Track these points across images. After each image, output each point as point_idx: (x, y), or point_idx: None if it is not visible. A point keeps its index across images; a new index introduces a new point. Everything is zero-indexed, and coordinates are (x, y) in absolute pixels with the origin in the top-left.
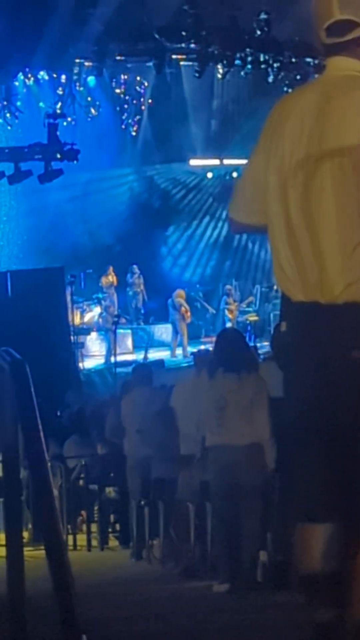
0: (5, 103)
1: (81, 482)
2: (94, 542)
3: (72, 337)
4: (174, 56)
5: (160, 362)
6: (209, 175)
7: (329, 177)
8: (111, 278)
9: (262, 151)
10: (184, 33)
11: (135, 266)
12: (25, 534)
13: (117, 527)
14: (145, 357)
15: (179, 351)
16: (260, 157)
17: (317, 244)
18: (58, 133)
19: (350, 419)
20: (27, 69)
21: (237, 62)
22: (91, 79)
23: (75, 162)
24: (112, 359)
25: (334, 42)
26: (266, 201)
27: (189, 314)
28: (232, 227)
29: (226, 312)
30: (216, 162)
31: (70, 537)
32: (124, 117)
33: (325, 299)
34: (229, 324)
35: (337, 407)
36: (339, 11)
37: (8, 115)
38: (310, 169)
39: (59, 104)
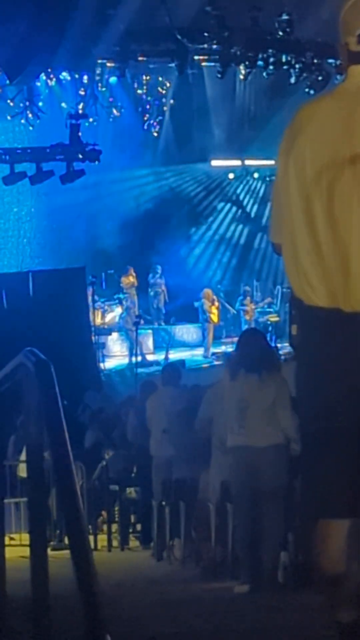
0: (27, 103)
1: (101, 482)
2: (115, 543)
3: (93, 338)
4: (196, 57)
5: (181, 363)
6: (231, 176)
7: (356, 183)
8: (132, 278)
9: (282, 166)
10: (206, 34)
11: (158, 266)
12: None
13: (138, 527)
14: (166, 358)
15: (200, 351)
16: (281, 173)
17: (344, 251)
18: (80, 134)
19: None
20: (49, 70)
21: (259, 63)
22: (113, 80)
23: (96, 162)
24: (135, 359)
25: None
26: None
27: (213, 315)
28: (275, 250)
29: (242, 312)
30: (238, 162)
31: (91, 538)
32: (145, 118)
33: (348, 307)
34: (245, 325)
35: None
36: None
37: (30, 115)
38: (336, 175)
39: (81, 104)
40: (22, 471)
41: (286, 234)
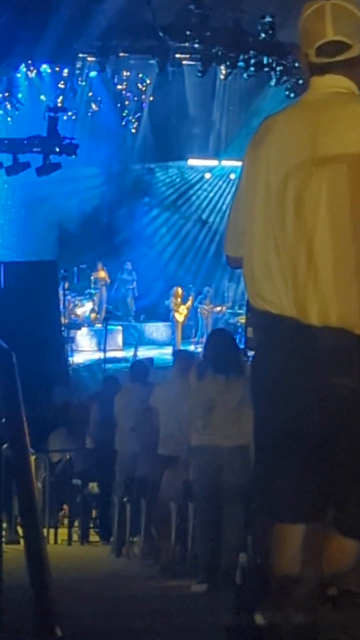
0: (6, 94)
1: (64, 476)
2: (75, 537)
3: (62, 332)
4: (177, 55)
5: (149, 360)
6: (207, 175)
7: (319, 195)
8: (103, 274)
9: (244, 179)
10: (188, 32)
11: (128, 263)
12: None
13: (99, 522)
14: (135, 355)
15: (169, 349)
16: (245, 185)
17: (312, 259)
18: (58, 127)
19: (326, 428)
20: (29, 61)
21: (240, 63)
22: (93, 74)
23: (73, 156)
24: (103, 355)
25: (322, 62)
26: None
27: (179, 314)
28: (230, 263)
29: (199, 313)
30: (215, 162)
31: (52, 531)
32: (124, 114)
33: (314, 320)
34: (203, 326)
35: (315, 417)
36: (332, 32)
37: (9, 106)
38: (299, 185)
39: (60, 97)
40: None
41: (246, 245)
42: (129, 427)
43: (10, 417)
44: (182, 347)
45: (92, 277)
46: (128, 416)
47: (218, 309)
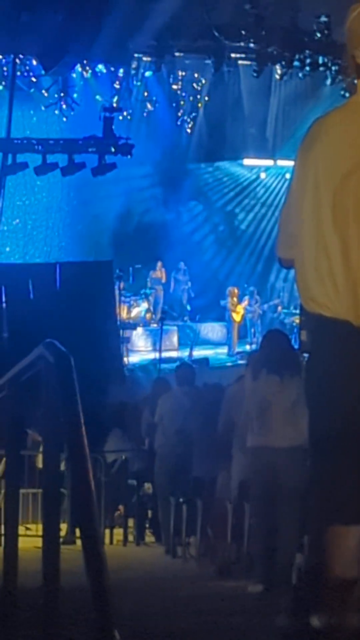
0: (62, 94)
1: (119, 476)
2: (131, 537)
3: (119, 332)
4: (232, 55)
5: (204, 360)
6: (263, 175)
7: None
8: (160, 273)
9: (295, 182)
10: (243, 32)
11: (182, 263)
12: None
13: (154, 523)
14: (191, 355)
15: (224, 349)
16: (295, 187)
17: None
18: (113, 127)
19: None
20: (85, 61)
21: (296, 63)
22: (149, 74)
23: (129, 156)
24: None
25: None
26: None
27: (236, 314)
28: (282, 265)
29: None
30: (270, 162)
31: (107, 532)
32: (179, 114)
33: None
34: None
35: None
36: None
37: (64, 106)
38: (348, 191)
39: (116, 97)
40: (41, 462)
41: (297, 248)
42: (174, 429)
43: (69, 421)
44: (237, 347)
45: (150, 276)
46: (173, 418)
47: (266, 307)
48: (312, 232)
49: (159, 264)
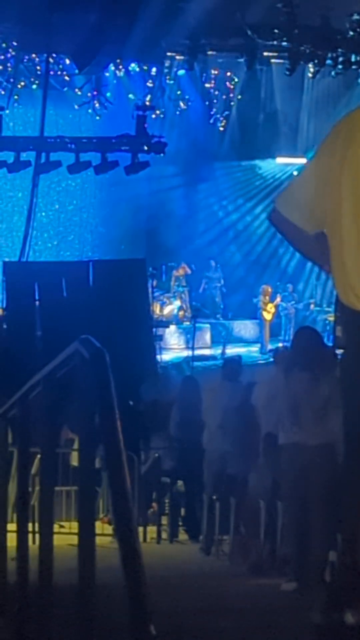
0: (95, 93)
1: (153, 474)
2: (164, 535)
3: (152, 329)
4: (265, 53)
5: (238, 358)
6: (295, 173)
7: None
8: (182, 271)
9: (330, 157)
10: (276, 31)
11: (212, 261)
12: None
13: (187, 520)
14: (224, 352)
15: (257, 347)
16: (328, 163)
17: None
18: (146, 125)
19: None
20: (118, 60)
21: (328, 61)
22: (181, 73)
23: (162, 154)
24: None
25: None
26: (334, 208)
27: (267, 312)
28: (273, 218)
29: (284, 309)
30: (303, 160)
31: (141, 529)
32: (212, 112)
33: None
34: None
35: None
36: None
37: (97, 105)
38: None
39: (149, 96)
40: (75, 460)
41: (333, 237)
42: (216, 425)
43: (104, 417)
44: (270, 345)
45: (173, 275)
46: (215, 414)
47: (301, 306)
48: (354, 228)
49: (182, 263)
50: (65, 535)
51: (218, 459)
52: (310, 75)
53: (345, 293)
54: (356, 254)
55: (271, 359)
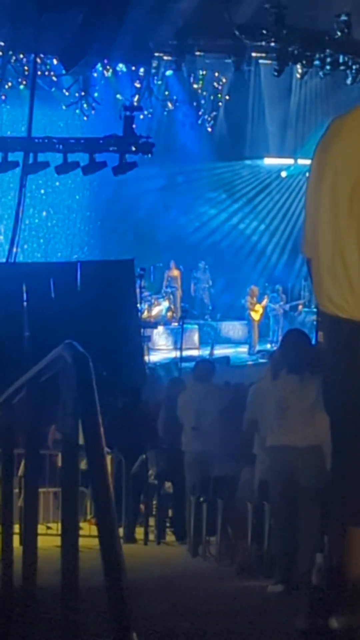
0: (82, 93)
1: (140, 476)
2: (151, 536)
3: (140, 331)
4: (253, 54)
5: (225, 359)
6: (283, 174)
7: None
8: (175, 272)
9: (313, 181)
10: (264, 31)
11: (202, 262)
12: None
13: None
14: (211, 354)
15: (245, 348)
16: (312, 183)
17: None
18: (134, 126)
19: None
20: (105, 61)
21: (316, 62)
22: (169, 73)
23: (149, 155)
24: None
25: None
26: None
27: (254, 313)
28: (308, 265)
29: (272, 310)
30: (291, 161)
31: (124, 530)
32: (200, 112)
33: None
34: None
35: None
36: None
37: (85, 105)
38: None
39: (136, 96)
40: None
41: (314, 249)
42: (191, 426)
43: (86, 422)
44: (258, 346)
45: (165, 276)
46: (189, 416)
47: (288, 307)
48: (329, 234)
49: (172, 263)
50: (53, 537)
51: (196, 461)
52: (298, 76)
53: (321, 298)
54: (330, 258)
55: (260, 360)
